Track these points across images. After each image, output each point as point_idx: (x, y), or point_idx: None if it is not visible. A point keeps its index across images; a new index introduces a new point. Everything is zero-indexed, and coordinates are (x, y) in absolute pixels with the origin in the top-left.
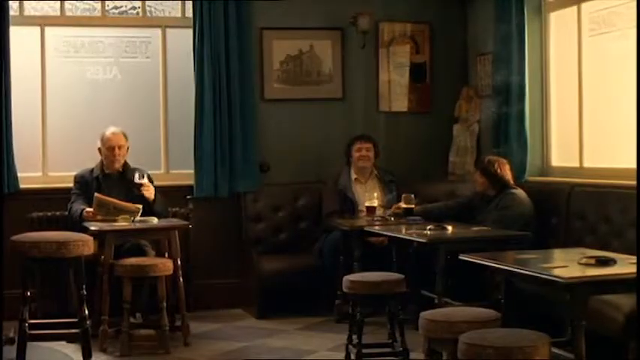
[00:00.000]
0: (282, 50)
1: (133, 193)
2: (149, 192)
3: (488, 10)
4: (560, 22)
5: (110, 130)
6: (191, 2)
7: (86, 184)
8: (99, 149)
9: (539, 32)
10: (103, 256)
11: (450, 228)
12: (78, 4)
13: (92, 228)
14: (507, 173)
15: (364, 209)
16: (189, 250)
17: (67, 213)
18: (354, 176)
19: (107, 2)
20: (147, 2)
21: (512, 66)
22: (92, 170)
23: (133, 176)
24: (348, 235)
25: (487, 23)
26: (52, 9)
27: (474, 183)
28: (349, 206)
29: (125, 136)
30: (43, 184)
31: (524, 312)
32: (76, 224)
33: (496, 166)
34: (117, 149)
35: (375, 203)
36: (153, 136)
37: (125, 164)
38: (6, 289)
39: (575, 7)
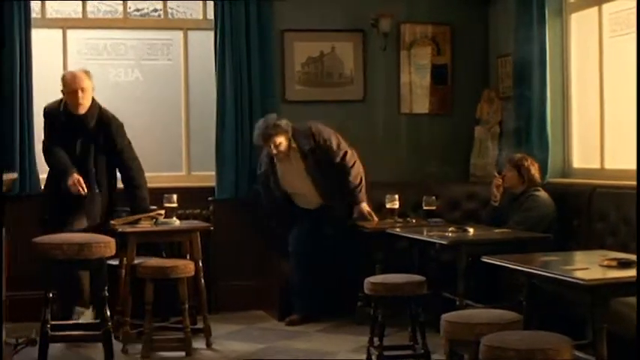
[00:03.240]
0: (304, 52)
1: (97, 142)
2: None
3: (509, 11)
4: (581, 23)
5: (70, 72)
6: (212, 4)
7: (53, 121)
8: (61, 91)
9: (560, 33)
10: (125, 258)
11: (471, 230)
12: (100, 5)
13: (119, 229)
14: (536, 172)
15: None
16: (211, 252)
17: (45, 154)
18: (278, 158)
19: (129, 4)
20: (168, 4)
21: (533, 67)
22: (59, 105)
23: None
24: (369, 236)
25: (508, 25)
26: (74, 11)
27: (495, 185)
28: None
29: (89, 75)
30: None
31: (546, 314)
32: (58, 176)
33: (528, 162)
34: (80, 92)
35: (396, 205)
36: (174, 137)
37: (94, 107)
38: (28, 290)
39: (596, 8)
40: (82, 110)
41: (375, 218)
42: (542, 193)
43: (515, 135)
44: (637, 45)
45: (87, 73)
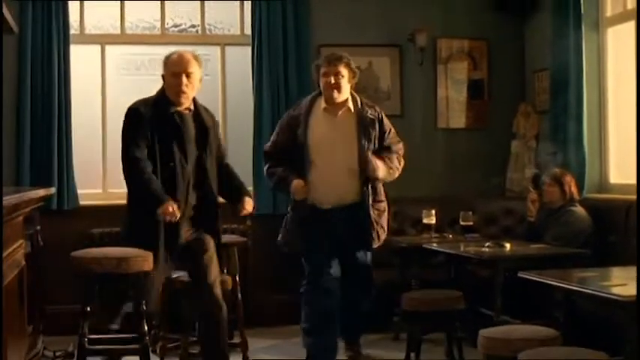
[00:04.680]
0: None
1: (204, 145)
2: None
3: (545, 25)
4: (617, 38)
5: (177, 51)
6: (250, 20)
7: (141, 120)
8: (162, 76)
9: (597, 47)
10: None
11: (507, 245)
12: (138, 22)
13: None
14: (575, 188)
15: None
16: (248, 267)
17: (129, 165)
18: (322, 105)
19: (167, 20)
20: (206, 20)
21: (570, 82)
22: (147, 103)
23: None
24: (406, 251)
25: (544, 39)
26: (113, 27)
27: (531, 200)
28: (295, 150)
29: (199, 61)
30: (103, 201)
31: (584, 330)
32: (148, 199)
33: (568, 178)
34: (184, 77)
35: (433, 220)
36: None
37: (196, 105)
38: (65, 304)
39: (632, 22)
40: (185, 101)
41: (380, 173)
42: (579, 209)
43: (552, 150)
44: (637, 46)
45: (197, 57)
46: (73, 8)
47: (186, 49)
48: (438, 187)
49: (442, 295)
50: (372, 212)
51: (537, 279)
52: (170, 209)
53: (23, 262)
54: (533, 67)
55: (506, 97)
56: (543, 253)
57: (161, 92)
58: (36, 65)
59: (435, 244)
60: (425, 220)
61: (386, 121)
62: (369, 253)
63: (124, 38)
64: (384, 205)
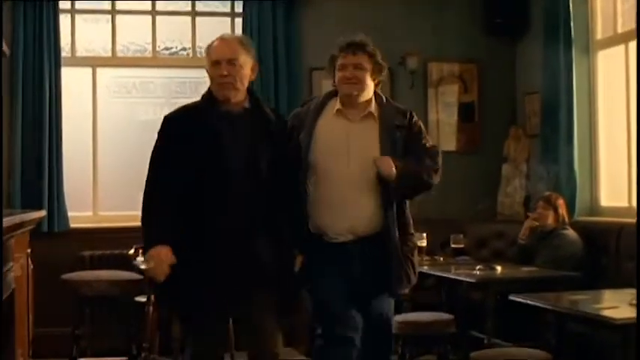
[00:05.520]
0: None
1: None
2: None
3: (536, 49)
4: (608, 61)
5: (221, 36)
6: None
7: (178, 129)
8: (206, 69)
9: (588, 71)
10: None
11: (499, 268)
12: (129, 44)
13: (142, 266)
14: (565, 211)
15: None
16: None
17: (145, 192)
18: (336, 106)
19: (158, 43)
20: (197, 42)
21: (561, 105)
22: (187, 108)
23: None
24: None
25: (535, 62)
26: (104, 50)
27: (530, 225)
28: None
29: (245, 46)
30: (94, 224)
31: (576, 353)
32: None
33: (560, 201)
34: (225, 65)
35: (424, 243)
36: None
37: (252, 98)
38: (56, 326)
39: (623, 46)
40: (232, 94)
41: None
42: (571, 232)
43: (543, 173)
44: (637, 47)
45: (243, 41)
46: (64, 30)
47: (232, 35)
48: (428, 210)
49: (433, 318)
50: (400, 246)
51: (529, 302)
52: (156, 261)
53: (13, 285)
54: (524, 90)
55: (497, 120)
56: (534, 275)
57: (206, 92)
58: (27, 87)
59: (425, 267)
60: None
61: (420, 127)
62: (392, 302)
63: (115, 61)
64: (413, 238)
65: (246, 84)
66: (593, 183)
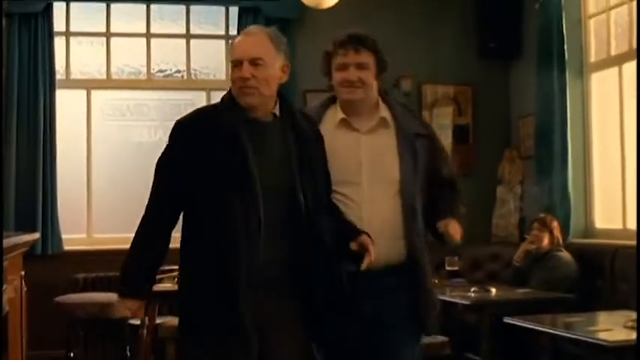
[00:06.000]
0: None
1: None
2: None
3: (530, 71)
4: (601, 83)
5: (246, 30)
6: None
7: (182, 146)
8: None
9: (581, 93)
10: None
11: (493, 290)
12: (124, 67)
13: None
14: (560, 233)
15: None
16: None
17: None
18: (339, 116)
19: (152, 65)
20: (191, 65)
21: (555, 127)
22: (206, 112)
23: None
24: None
25: (529, 85)
26: (98, 72)
27: (528, 248)
28: None
29: (274, 40)
30: (88, 246)
31: None
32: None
33: (555, 223)
34: (248, 66)
35: (457, 266)
36: None
37: (284, 104)
38: (50, 349)
39: (616, 68)
40: (255, 100)
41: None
42: (565, 254)
43: (537, 195)
44: (637, 48)
45: (271, 36)
46: (59, 53)
47: (259, 28)
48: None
49: (428, 341)
50: (427, 280)
51: (522, 324)
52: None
53: (7, 308)
54: (518, 113)
55: (492, 142)
56: (529, 297)
57: (227, 94)
58: (22, 109)
59: None
60: (447, 267)
61: (441, 142)
62: (417, 348)
63: (109, 83)
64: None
65: (274, 88)
66: (588, 205)
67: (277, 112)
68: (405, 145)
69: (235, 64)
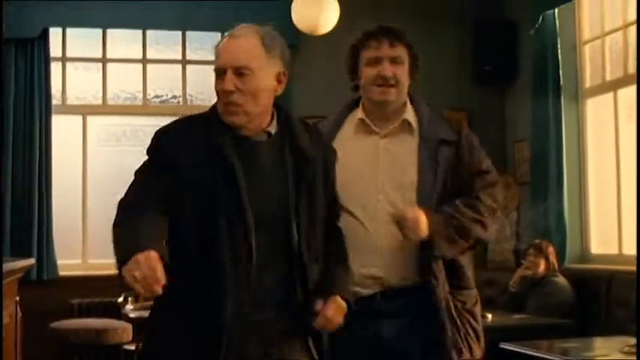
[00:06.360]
0: None
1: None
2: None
3: (525, 97)
4: (597, 109)
5: (231, 32)
6: None
7: (159, 159)
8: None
9: (577, 119)
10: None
11: (489, 316)
12: (120, 92)
13: (131, 315)
14: (556, 258)
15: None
16: None
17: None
18: (358, 116)
19: (148, 91)
20: (187, 90)
21: (550, 152)
22: (190, 124)
23: None
24: None
25: (524, 110)
26: (94, 97)
27: (524, 274)
28: None
29: (266, 43)
30: (83, 272)
31: None
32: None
33: (551, 249)
34: (231, 75)
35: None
36: None
37: (282, 117)
38: None
39: (611, 94)
40: (243, 122)
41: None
42: (561, 279)
43: (533, 220)
44: (637, 49)
45: (264, 38)
46: (55, 78)
47: (250, 28)
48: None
49: None
50: (449, 304)
51: (520, 350)
52: (141, 271)
53: (2, 334)
54: (514, 138)
55: None
56: (525, 323)
57: (215, 105)
58: (17, 134)
59: None
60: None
61: (473, 145)
62: None
63: (105, 109)
64: (474, 293)
65: (266, 102)
66: (584, 230)
67: (273, 130)
68: (427, 154)
69: (218, 72)
